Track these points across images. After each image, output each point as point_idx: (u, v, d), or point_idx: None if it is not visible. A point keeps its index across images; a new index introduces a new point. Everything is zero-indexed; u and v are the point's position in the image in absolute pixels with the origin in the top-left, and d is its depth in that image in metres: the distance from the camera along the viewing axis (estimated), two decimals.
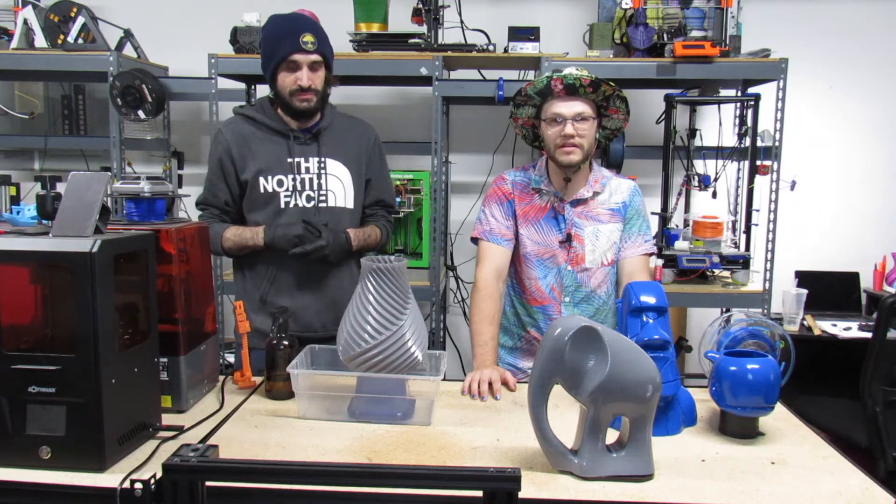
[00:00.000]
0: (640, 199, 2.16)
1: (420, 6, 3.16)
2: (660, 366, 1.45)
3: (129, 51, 3.38)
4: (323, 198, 2.19)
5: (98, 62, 3.17)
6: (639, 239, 2.13)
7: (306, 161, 2.18)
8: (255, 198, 2.17)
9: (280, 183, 2.16)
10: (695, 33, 3.07)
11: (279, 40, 2.08)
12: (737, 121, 3.42)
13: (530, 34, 3.09)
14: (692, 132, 3.41)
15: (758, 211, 3.12)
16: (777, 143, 3.09)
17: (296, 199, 2.17)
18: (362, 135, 2.28)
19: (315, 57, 2.09)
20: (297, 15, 2.19)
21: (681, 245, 3.19)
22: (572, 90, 1.96)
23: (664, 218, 3.22)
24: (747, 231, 3.15)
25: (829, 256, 3.75)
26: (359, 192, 2.26)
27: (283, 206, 2.16)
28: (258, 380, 1.87)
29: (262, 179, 2.15)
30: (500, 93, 3.04)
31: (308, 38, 2.06)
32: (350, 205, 2.23)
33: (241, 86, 3.46)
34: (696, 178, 3.27)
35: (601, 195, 2.12)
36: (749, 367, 1.52)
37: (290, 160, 2.16)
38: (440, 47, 3.13)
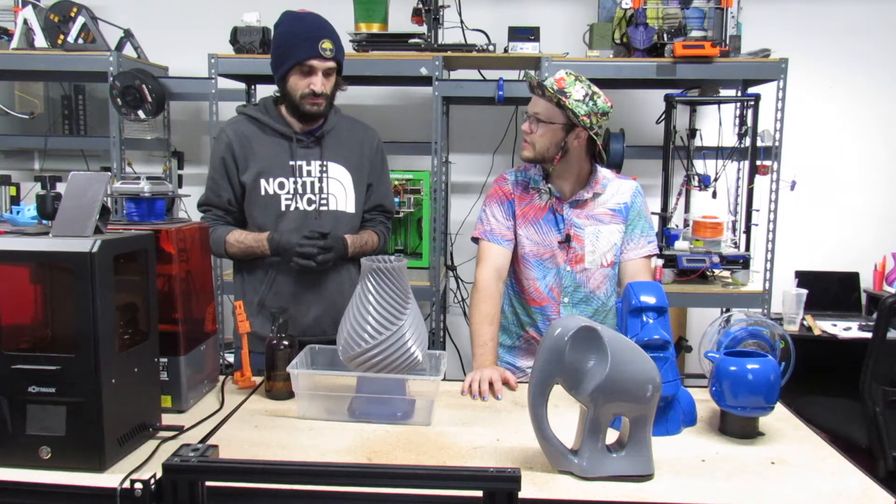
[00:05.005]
0: (641, 200, 2.16)
1: (420, 6, 3.16)
2: (660, 366, 1.45)
3: (129, 51, 3.38)
4: (324, 201, 2.18)
5: (98, 62, 3.17)
6: (641, 240, 2.13)
7: (308, 164, 2.16)
8: (255, 200, 2.16)
9: (281, 185, 2.15)
10: (695, 33, 3.07)
11: (297, 42, 2.04)
12: (737, 121, 3.42)
13: (530, 34, 3.09)
14: (692, 132, 3.41)
15: (758, 211, 3.12)
16: (777, 143, 3.09)
17: (297, 203, 2.16)
18: (365, 139, 2.27)
19: (331, 64, 2.07)
20: (315, 18, 2.12)
21: (681, 245, 3.19)
22: (531, 89, 2.04)
23: (664, 218, 3.22)
24: (747, 231, 3.15)
25: (829, 256, 3.75)
26: (360, 197, 2.25)
27: (283, 209, 2.15)
28: (258, 380, 1.87)
29: (262, 181, 2.14)
30: (500, 93, 3.04)
31: (327, 44, 2.04)
32: (351, 209, 2.22)
33: (241, 86, 3.47)
34: (696, 178, 3.27)
35: (602, 196, 2.12)
36: (749, 367, 1.51)
37: (291, 163, 2.15)
38: (440, 47, 3.13)
